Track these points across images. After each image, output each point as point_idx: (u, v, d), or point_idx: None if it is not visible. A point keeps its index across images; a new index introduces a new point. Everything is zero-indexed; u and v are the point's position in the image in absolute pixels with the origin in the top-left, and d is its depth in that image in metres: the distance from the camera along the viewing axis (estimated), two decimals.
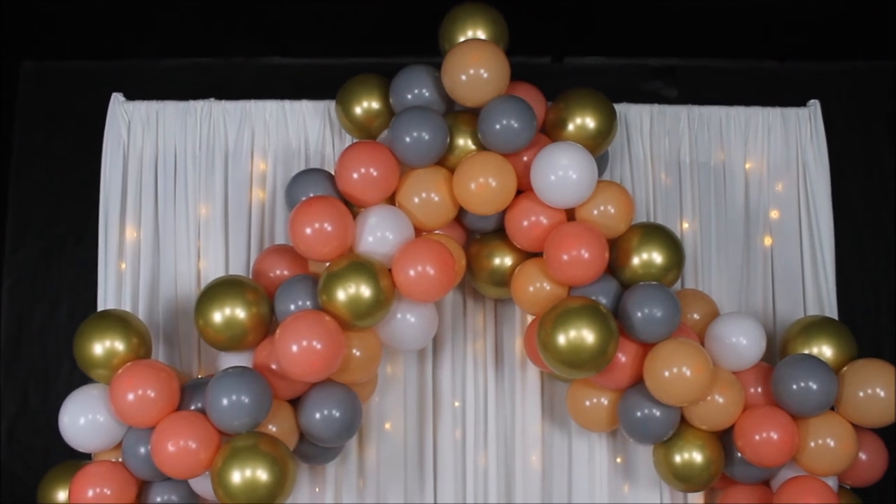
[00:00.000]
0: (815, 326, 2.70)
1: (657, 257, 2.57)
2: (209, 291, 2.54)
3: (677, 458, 2.58)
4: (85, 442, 2.53)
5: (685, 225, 2.86)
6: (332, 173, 2.63)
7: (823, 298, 2.83)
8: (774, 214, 2.89)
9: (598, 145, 2.63)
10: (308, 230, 2.47)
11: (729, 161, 2.88)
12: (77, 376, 2.65)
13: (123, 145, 2.80)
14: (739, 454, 2.58)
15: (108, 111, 2.81)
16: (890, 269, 2.98)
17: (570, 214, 2.61)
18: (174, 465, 2.40)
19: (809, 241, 2.86)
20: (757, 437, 2.51)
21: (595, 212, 2.58)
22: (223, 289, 2.53)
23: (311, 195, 2.56)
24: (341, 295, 2.44)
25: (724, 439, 2.61)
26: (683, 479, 2.58)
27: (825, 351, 2.66)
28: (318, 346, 2.37)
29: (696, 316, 2.69)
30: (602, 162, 2.72)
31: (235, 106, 2.82)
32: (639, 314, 2.50)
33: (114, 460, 2.53)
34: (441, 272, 2.46)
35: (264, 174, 2.82)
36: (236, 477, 2.34)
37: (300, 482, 2.77)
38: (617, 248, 2.61)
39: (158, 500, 2.51)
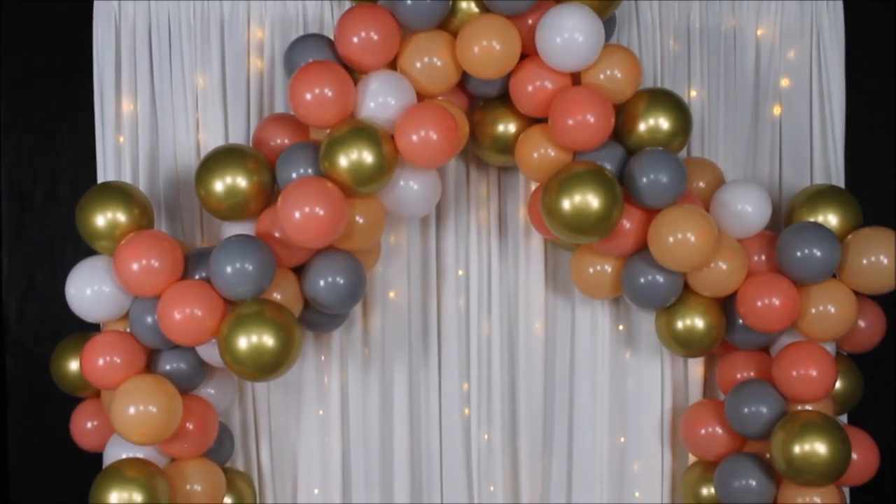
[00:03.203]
0: (822, 195, 2.69)
1: (664, 123, 2.54)
2: (209, 160, 2.52)
3: (679, 324, 2.61)
4: (92, 312, 2.55)
5: (693, 92, 2.81)
6: (332, 38, 2.56)
7: (831, 168, 2.81)
8: (785, 82, 2.84)
9: (605, 7, 2.54)
10: (308, 96, 2.43)
11: (740, 27, 2.81)
12: (82, 252, 2.65)
13: (115, 16, 2.72)
14: (741, 320, 2.61)
15: None
16: None
17: (576, 79, 2.56)
18: (181, 332, 2.43)
19: (820, 109, 2.81)
20: (759, 304, 2.53)
21: (601, 76, 2.53)
22: (223, 157, 2.50)
23: (311, 61, 2.50)
24: (343, 161, 2.41)
25: (725, 306, 2.64)
26: (685, 345, 2.62)
27: (830, 219, 2.65)
28: (321, 212, 2.36)
29: (701, 184, 2.67)
30: (609, 25, 2.63)
31: None
32: (644, 179, 2.48)
33: (122, 330, 2.56)
34: (444, 137, 2.42)
35: (262, 42, 2.75)
36: (242, 343, 2.37)
37: (306, 351, 2.82)
38: (623, 114, 2.57)
39: (168, 367, 2.55)
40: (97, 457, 2.61)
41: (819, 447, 2.47)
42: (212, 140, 2.73)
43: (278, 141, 2.58)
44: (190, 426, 2.53)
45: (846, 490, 2.71)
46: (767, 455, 2.60)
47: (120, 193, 2.54)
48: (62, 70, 2.85)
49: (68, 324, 2.67)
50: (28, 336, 2.90)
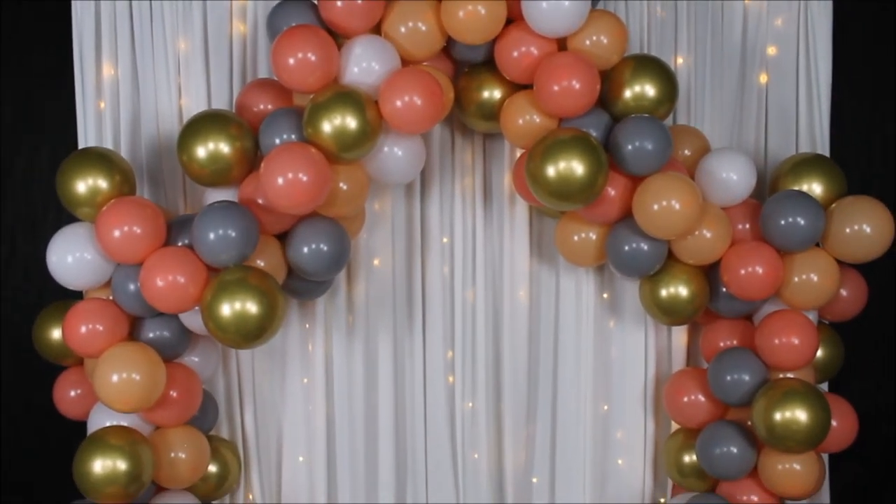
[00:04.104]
0: (806, 163, 2.69)
1: (650, 90, 2.52)
2: (192, 126, 2.49)
3: (663, 292, 2.61)
4: (74, 279, 2.53)
5: (679, 60, 2.79)
6: (315, 2, 2.53)
7: (816, 137, 2.81)
8: (772, 51, 2.82)
9: None
10: (291, 60, 2.40)
11: None
12: (64, 219, 2.62)
13: None
14: (724, 289, 2.62)
15: None
16: (886, 109, 2.94)
17: (562, 45, 2.54)
18: (163, 300, 2.42)
19: (806, 78, 2.81)
20: (742, 272, 2.54)
21: (587, 42, 2.51)
22: (206, 123, 2.48)
23: (294, 24, 2.46)
24: (327, 126, 2.39)
25: (709, 274, 2.64)
26: (668, 313, 2.63)
27: (815, 188, 2.65)
28: (304, 178, 2.35)
29: (687, 152, 2.67)
30: None
31: None
32: (629, 147, 2.47)
33: (105, 298, 2.55)
34: (428, 102, 2.41)
35: (244, 7, 2.72)
36: (226, 310, 2.36)
37: (290, 319, 2.82)
38: (609, 81, 2.55)
39: (151, 335, 2.53)
40: (81, 425, 2.61)
41: (800, 414, 2.49)
42: (194, 106, 2.70)
43: (261, 106, 2.56)
44: (174, 394, 2.53)
45: (825, 457, 2.74)
46: (749, 422, 2.63)
47: (101, 159, 2.52)
48: (41, 35, 2.81)
49: (50, 292, 2.65)
50: (10, 304, 2.89)
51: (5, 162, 2.85)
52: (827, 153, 2.80)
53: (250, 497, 2.85)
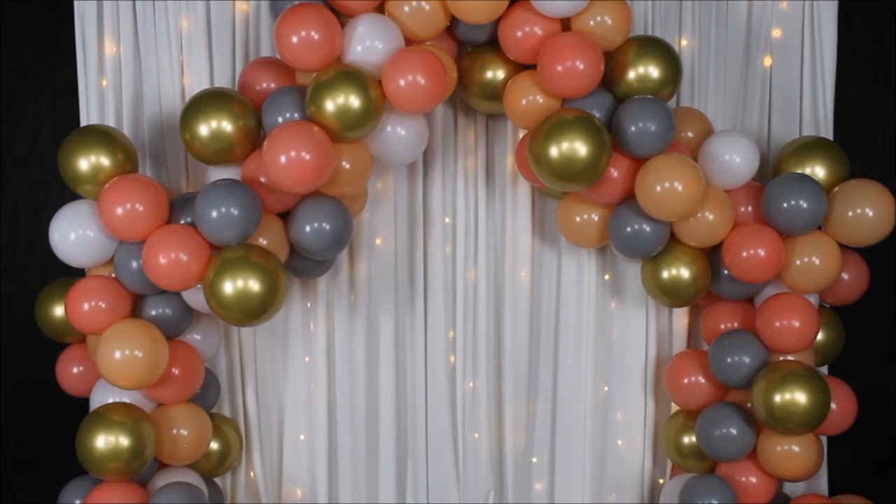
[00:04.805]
0: (810, 146, 2.68)
1: (653, 71, 2.52)
2: (194, 104, 2.48)
3: (665, 274, 2.61)
4: (76, 257, 2.54)
5: (683, 42, 2.78)
6: None
7: (820, 121, 2.80)
8: (776, 33, 2.81)
9: None
10: (294, 38, 2.39)
11: None
12: (67, 198, 2.62)
13: None
14: (726, 271, 2.62)
15: None
16: (890, 93, 2.94)
17: (566, 25, 2.53)
18: (166, 277, 2.42)
19: (811, 61, 2.79)
20: (744, 254, 2.54)
21: (591, 22, 2.50)
22: (209, 101, 2.47)
23: (297, 2, 2.45)
24: (330, 105, 2.39)
25: (711, 256, 2.65)
26: (670, 295, 2.63)
27: (818, 171, 2.65)
28: (307, 157, 2.35)
29: (690, 134, 2.66)
30: None
31: None
32: (633, 128, 2.47)
33: (107, 275, 2.55)
34: (432, 81, 2.40)
35: None
36: (228, 288, 2.36)
37: (292, 298, 2.82)
38: (612, 62, 2.55)
39: (153, 312, 2.54)
40: (83, 402, 2.62)
41: (799, 396, 2.49)
42: (196, 84, 2.69)
43: (264, 85, 2.55)
44: (176, 371, 2.54)
45: (824, 439, 2.75)
46: (748, 404, 2.63)
47: (103, 137, 2.51)
48: (43, 13, 2.80)
49: (53, 269, 2.66)
50: (12, 282, 2.89)
51: (7, 140, 2.85)
52: (830, 136, 2.80)
53: (252, 475, 2.87)
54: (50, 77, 2.82)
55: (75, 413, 2.57)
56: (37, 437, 2.91)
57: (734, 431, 2.61)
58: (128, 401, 2.51)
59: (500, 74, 2.61)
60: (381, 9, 2.51)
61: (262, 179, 2.46)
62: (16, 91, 2.84)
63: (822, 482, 2.84)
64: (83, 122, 2.72)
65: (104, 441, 2.41)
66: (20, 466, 2.94)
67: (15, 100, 2.84)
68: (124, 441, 2.41)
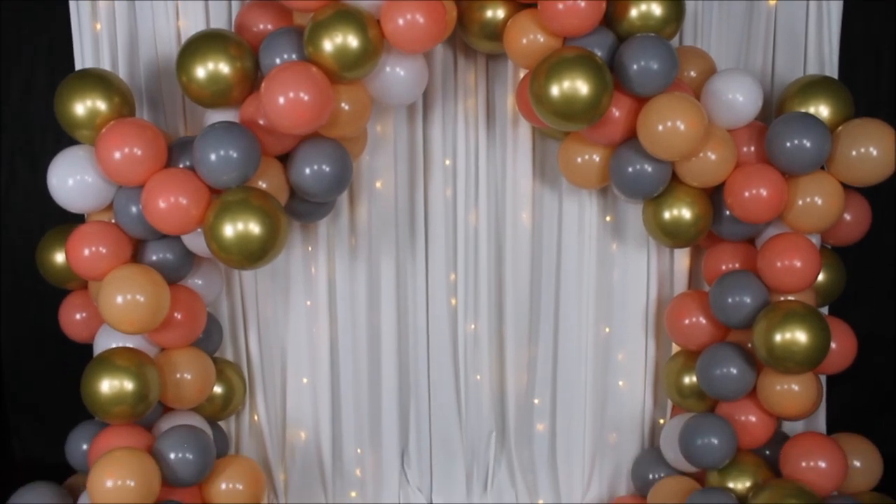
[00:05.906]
0: (814, 85, 2.65)
1: (656, 9, 2.48)
2: (191, 45, 2.45)
3: (666, 215, 2.61)
4: (75, 202, 2.53)
5: None
6: None
7: (825, 60, 2.77)
8: None
9: None
10: None
11: None
12: (64, 145, 2.60)
13: None
14: (728, 211, 2.61)
15: None
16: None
17: None
18: (166, 221, 2.41)
19: (816, 0, 2.74)
20: (746, 194, 2.53)
21: None
22: (205, 43, 2.44)
23: None
24: (328, 45, 2.36)
25: (713, 197, 2.63)
26: (671, 235, 2.63)
27: (822, 110, 2.63)
28: (306, 98, 2.32)
29: (693, 73, 2.63)
30: None
31: None
32: (635, 66, 2.44)
33: (107, 220, 2.54)
34: (431, 21, 2.37)
35: None
36: (228, 230, 2.36)
37: (292, 242, 2.82)
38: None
39: (154, 257, 2.54)
40: (87, 348, 2.63)
41: (799, 335, 2.50)
42: (192, 26, 2.65)
43: (261, 26, 2.52)
44: (178, 316, 2.54)
45: (823, 378, 2.77)
46: (749, 345, 2.65)
47: (99, 81, 2.49)
48: None
49: (52, 216, 2.64)
50: (12, 229, 2.88)
51: (2, 85, 2.82)
52: (835, 76, 2.76)
53: (255, 418, 2.90)
54: (44, 22, 2.78)
55: (80, 359, 2.58)
56: (42, 383, 2.92)
57: (734, 371, 2.62)
58: (131, 346, 2.52)
59: (500, 13, 2.56)
60: None
61: (261, 121, 2.44)
62: (9, 36, 2.80)
63: (820, 421, 2.87)
64: (78, 68, 2.68)
65: (109, 385, 2.43)
66: (26, 410, 2.96)
67: (9, 45, 2.80)
68: (129, 385, 2.43)
